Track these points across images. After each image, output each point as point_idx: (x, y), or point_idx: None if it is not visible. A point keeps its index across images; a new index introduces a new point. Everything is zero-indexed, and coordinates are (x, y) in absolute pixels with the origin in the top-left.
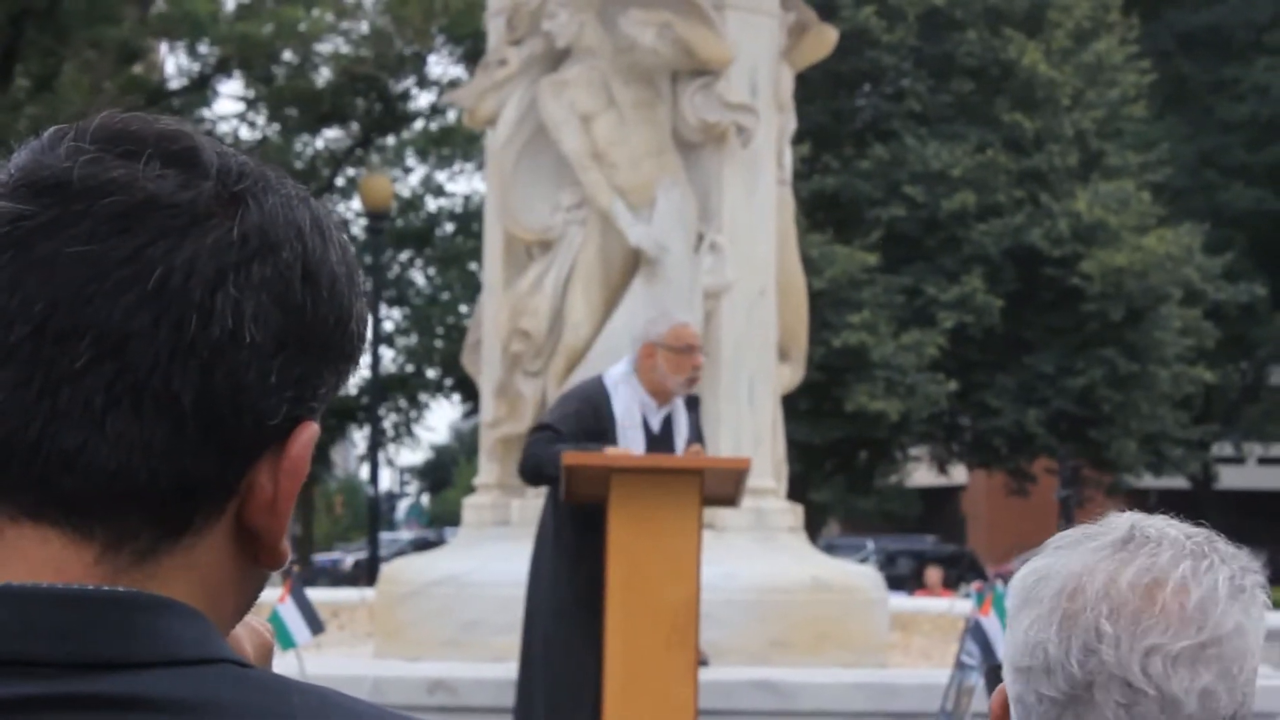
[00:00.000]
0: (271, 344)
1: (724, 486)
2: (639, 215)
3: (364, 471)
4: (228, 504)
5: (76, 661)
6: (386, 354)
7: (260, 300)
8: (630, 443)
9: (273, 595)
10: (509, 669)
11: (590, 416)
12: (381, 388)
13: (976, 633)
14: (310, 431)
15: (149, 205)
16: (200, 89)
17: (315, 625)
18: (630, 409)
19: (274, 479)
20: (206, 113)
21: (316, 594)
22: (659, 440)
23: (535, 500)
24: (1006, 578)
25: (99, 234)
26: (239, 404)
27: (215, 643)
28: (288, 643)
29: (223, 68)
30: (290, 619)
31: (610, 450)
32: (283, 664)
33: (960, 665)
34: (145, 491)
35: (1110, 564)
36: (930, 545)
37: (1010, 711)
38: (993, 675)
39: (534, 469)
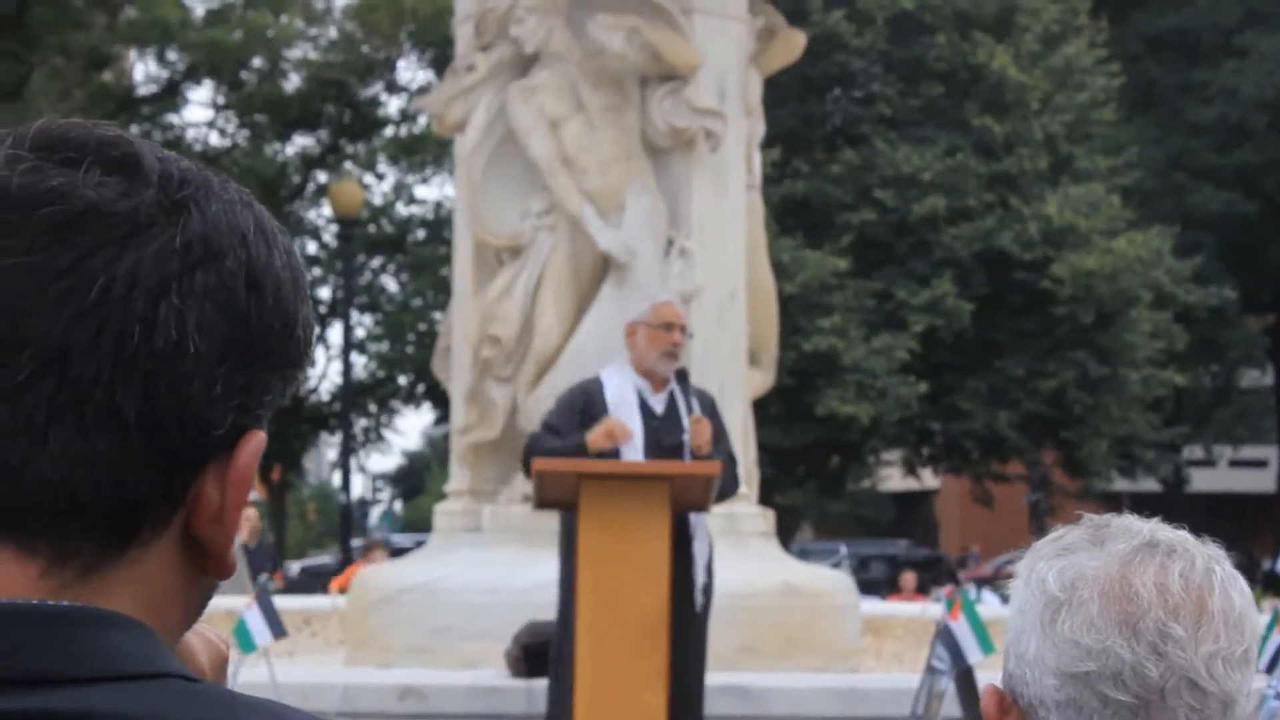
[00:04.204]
0: (216, 353)
1: (694, 492)
2: (608, 220)
3: (337, 478)
4: (174, 516)
5: (20, 677)
6: (359, 360)
7: (204, 309)
8: (625, 420)
9: (241, 602)
10: (479, 676)
11: (581, 403)
12: (353, 394)
13: (946, 637)
14: (257, 440)
15: (89, 214)
16: (169, 96)
17: (277, 629)
18: (623, 392)
19: (221, 489)
20: (175, 119)
21: (288, 601)
22: (665, 419)
23: (507, 507)
24: (980, 582)
25: (38, 245)
26: (184, 415)
27: (161, 657)
28: (249, 646)
29: (192, 74)
30: (254, 624)
31: (609, 420)
32: (253, 672)
33: (931, 670)
34: (90, 505)
35: (1150, 568)
36: (903, 549)
37: (1044, 715)
38: (963, 679)
39: (524, 464)
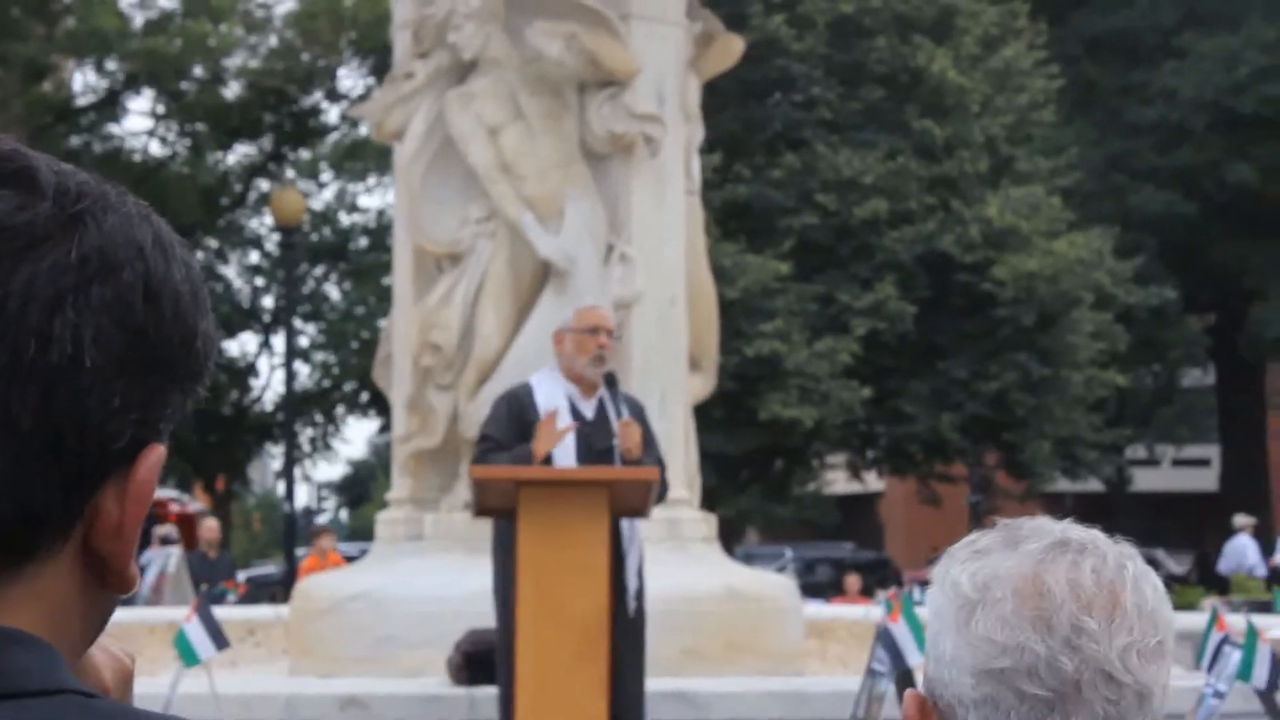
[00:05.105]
0: (113, 367)
1: (633, 498)
2: (548, 227)
3: (282, 488)
4: (73, 530)
5: None
6: (302, 369)
7: (100, 323)
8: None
9: (180, 614)
10: (422, 684)
11: (516, 411)
12: (297, 403)
13: (886, 639)
14: (157, 454)
15: None
16: (109, 105)
17: (220, 641)
18: (553, 396)
19: (120, 503)
20: (115, 129)
21: (232, 611)
22: (595, 424)
23: (449, 515)
24: (925, 584)
25: None
26: (81, 429)
27: (60, 673)
28: (192, 659)
29: (131, 84)
30: (195, 636)
31: (542, 421)
32: (194, 683)
33: (871, 672)
34: None
35: (1062, 565)
36: (849, 552)
37: (963, 714)
38: (903, 681)
39: None
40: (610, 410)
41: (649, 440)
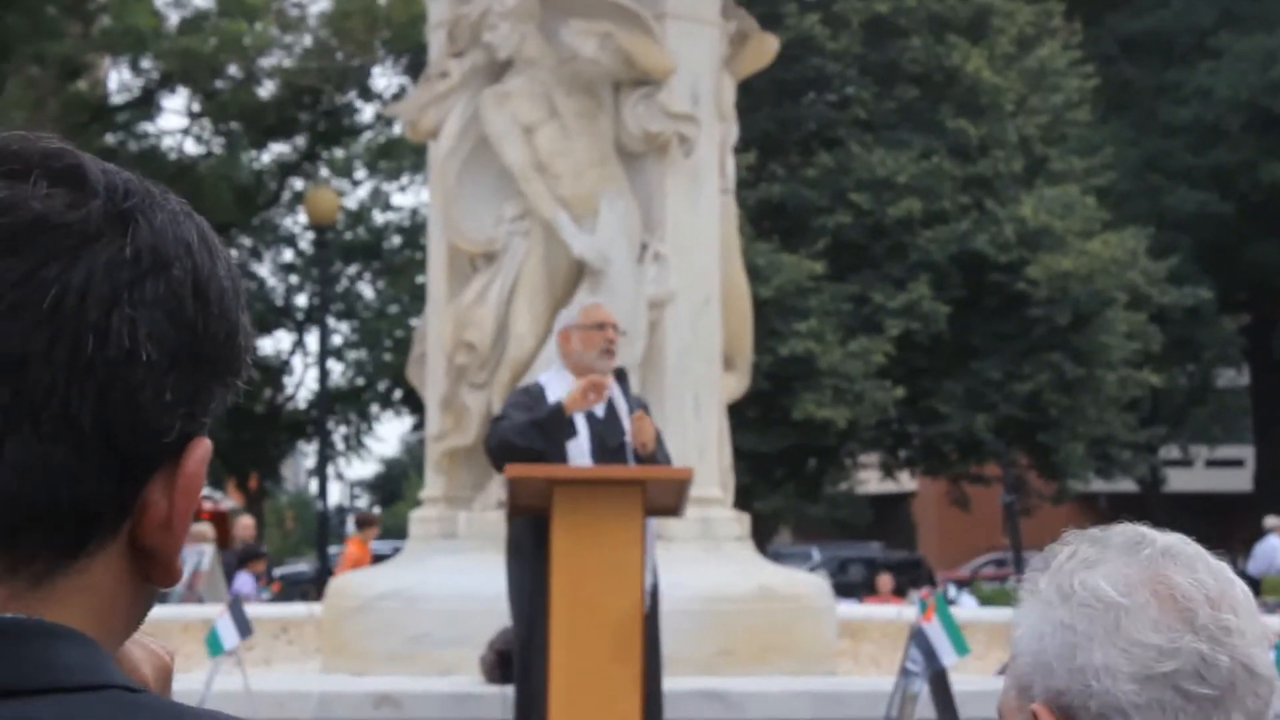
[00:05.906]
0: (166, 361)
1: (667, 497)
2: (582, 226)
3: (315, 486)
4: (123, 524)
5: None
6: (335, 368)
7: (155, 318)
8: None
9: (215, 611)
10: (455, 682)
11: (530, 404)
12: (331, 401)
13: (920, 639)
14: (204, 447)
15: (38, 225)
16: (144, 104)
17: (244, 629)
18: (563, 395)
19: (169, 496)
20: (150, 128)
21: (264, 609)
22: (606, 422)
23: (482, 513)
24: (960, 584)
25: None
26: (136, 423)
27: (105, 668)
28: (217, 649)
29: (166, 82)
30: (223, 628)
31: (583, 380)
32: (228, 680)
33: (905, 672)
34: (45, 515)
35: (1179, 567)
36: (879, 552)
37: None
38: (937, 681)
39: (497, 446)
40: (620, 406)
41: (656, 438)
